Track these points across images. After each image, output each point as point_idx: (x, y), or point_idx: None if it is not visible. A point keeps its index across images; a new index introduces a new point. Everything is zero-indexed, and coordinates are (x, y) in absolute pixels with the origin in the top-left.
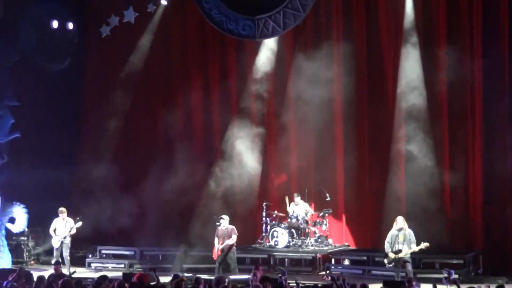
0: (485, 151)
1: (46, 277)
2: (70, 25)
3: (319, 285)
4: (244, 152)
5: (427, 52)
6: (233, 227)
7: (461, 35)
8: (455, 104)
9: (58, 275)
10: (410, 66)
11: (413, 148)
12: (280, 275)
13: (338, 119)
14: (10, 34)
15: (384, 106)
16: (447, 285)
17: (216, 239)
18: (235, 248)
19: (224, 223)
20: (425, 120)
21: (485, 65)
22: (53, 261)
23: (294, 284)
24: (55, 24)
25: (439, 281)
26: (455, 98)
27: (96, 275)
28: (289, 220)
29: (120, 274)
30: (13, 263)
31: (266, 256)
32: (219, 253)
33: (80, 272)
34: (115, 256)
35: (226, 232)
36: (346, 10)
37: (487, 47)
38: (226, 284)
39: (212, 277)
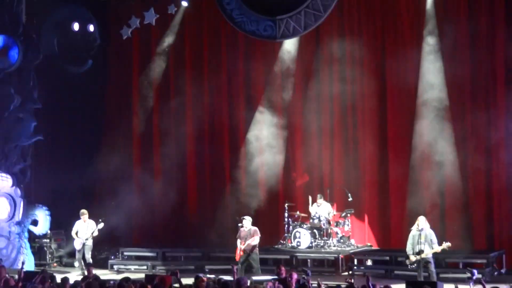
0: (509, 148)
1: (80, 280)
2: (91, 28)
3: (342, 286)
4: (267, 152)
5: (449, 48)
6: (256, 228)
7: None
8: (477, 99)
9: (90, 277)
10: (431, 62)
11: (435, 147)
12: (303, 275)
13: (361, 118)
14: (32, 37)
15: (406, 103)
16: (470, 285)
17: (238, 240)
18: (257, 249)
19: (247, 224)
20: (446, 116)
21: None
22: (75, 264)
23: (316, 285)
24: (76, 26)
25: (462, 281)
26: (477, 92)
27: (119, 277)
28: (311, 220)
29: (142, 275)
30: (36, 265)
31: (288, 257)
32: (241, 253)
33: (103, 274)
34: (138, 258)
35: (248, 233)
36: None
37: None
38: (248, 285)
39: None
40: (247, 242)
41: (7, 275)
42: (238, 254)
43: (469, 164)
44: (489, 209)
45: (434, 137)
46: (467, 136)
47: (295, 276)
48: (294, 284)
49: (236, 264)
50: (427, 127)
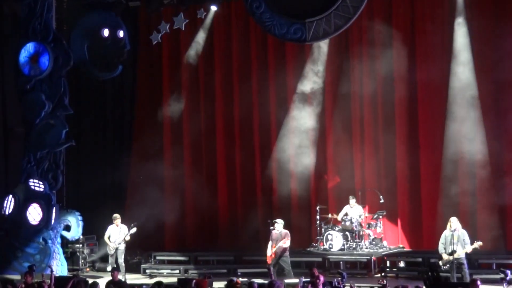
0: None
1: (104, 285)
2: (121, 33)
3: (375, 287)
4: (298, 155)
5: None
6: (287, 231)
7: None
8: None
9: (116, 282)
10: (462, 63)
11: (467, 147)
12: (339, 277)
13: (391, 119)
14: (62, 43)
15: (436, 105)
16: (504, 286)
17: (270, 243)
18: (288, 252)
19: (278, 227)
20: (478, 115)
21: None
22: (108, 268)
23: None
24: (106, 32)
25: (496, 282)
26: (505, 93)
27: (151, 281)
28: (343, 223)
29: (175, 280)
30: (69, 270)
31: (320, 259)
32: (273, 256)
33: (136, 278)
34: (170, 262)
35: (279, 236)
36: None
37: None
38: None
39: (266, 281)
40: (278, 245)
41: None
42: (270, 257)
43: (501, 164)
44: None
45: (466, 136)
46: (500, 134)
47: (322, 278)
48: (321, 286)
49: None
50: (459, 126)
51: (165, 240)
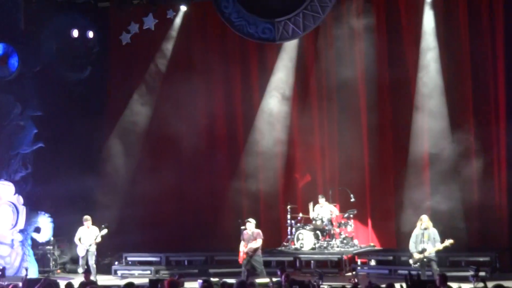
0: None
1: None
2: (91, 34)
3: (347, 286)
4: (268, 154)
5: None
6: (259, 231)
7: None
8: (479, 99)
9: (88, 283)
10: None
11: (436, 146)
12: (316, 278)
13: (362, 118)
14: (31, 44)
15: (403, 102)
16: (473, 283)
17: (242, 243)
18: (260, 251)
19: (250, 226)
20: (444, 113)
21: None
22: (79, 270)
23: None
24: (75, 33)
25: (465, 279)
26: (479, 91)
27: (122, 282)
28: (314, 222)
29: (146, 280)
30: (40, 272)
31: (291, 258)
32: (244, 256)
33: (107, 280)
34: (141, 263)
35: (251, 236)
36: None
37: None
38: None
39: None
40: (249, 245)
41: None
42: (241, 257)
43: (472, 163)
44: (493, 207)
45: (433, 132)
46: (469, 129)
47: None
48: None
49: (240, 266)
50: (426, 122)
51: (136, 241)
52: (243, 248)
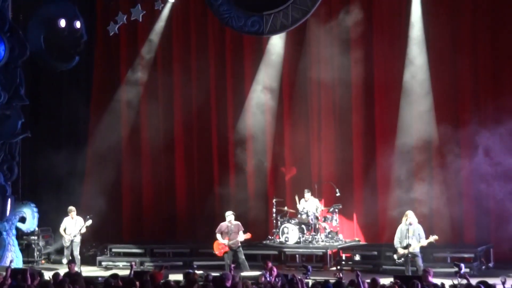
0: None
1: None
2: (78, 24)
3: (331, 280)
4: (255, 147)
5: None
6: (239, 223)
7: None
8: (459, 97)
9: (73, 274)
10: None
11: (423, 141)
12: (303, 272)
13: (349, 113)
14: (18, 34)
15: (391, 97)
16: (457, 279)
17: (218, 235)
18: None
19: (230, 218)
20: (431, 109)
21: None
22: (64, 260)
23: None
24: (63, 23)
25: (450, 275)
26: (459, 89)
27: (107, 273)
28: (299, 216)
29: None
30: (24, 262)
31: (276, 252)
32: (227, 249)
33: (91, 271)
34: (126, 254)
35: (232, 228)
36: None
37: None
38: (237, 280)
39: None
40: (235, 239)
41: None
42: (222, 250)
43: (458, 154)
44: (478, 203)
45: (420, 127)
46: (456, 124)
47: (275, 271)
48: (274, 278)
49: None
50: (413, 117)
51: (121, 232)
52: (224, 241)
